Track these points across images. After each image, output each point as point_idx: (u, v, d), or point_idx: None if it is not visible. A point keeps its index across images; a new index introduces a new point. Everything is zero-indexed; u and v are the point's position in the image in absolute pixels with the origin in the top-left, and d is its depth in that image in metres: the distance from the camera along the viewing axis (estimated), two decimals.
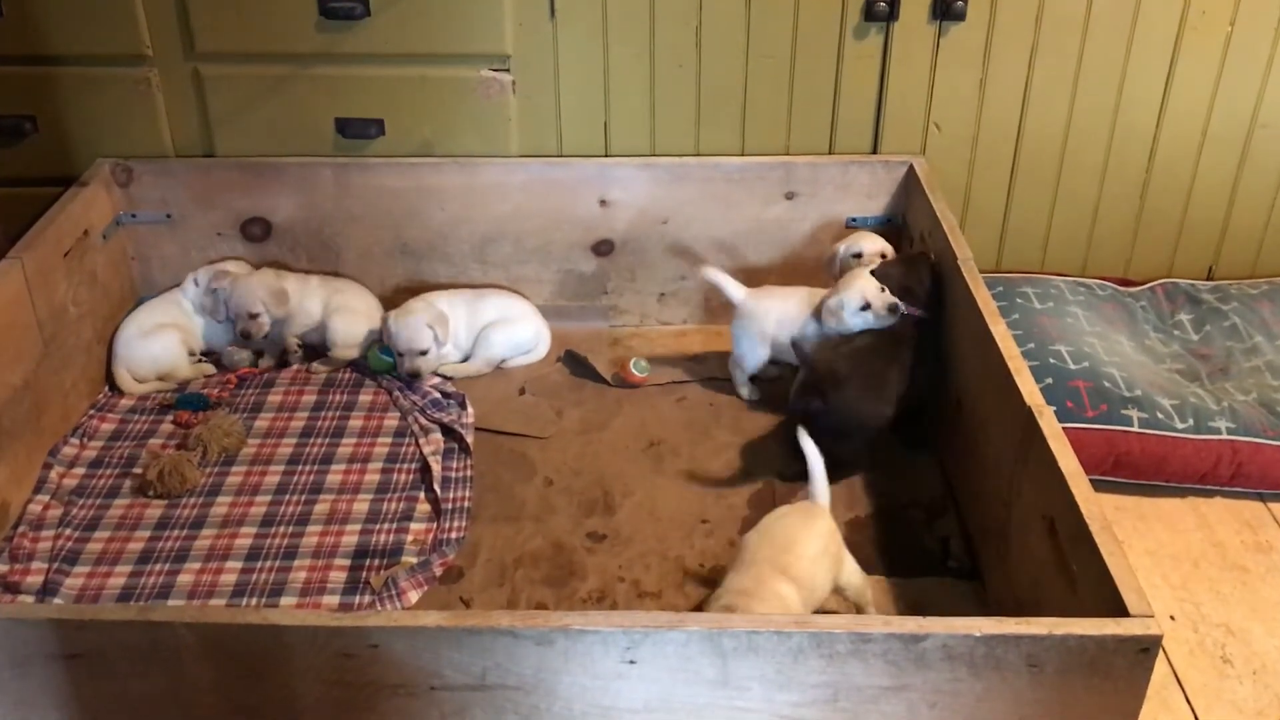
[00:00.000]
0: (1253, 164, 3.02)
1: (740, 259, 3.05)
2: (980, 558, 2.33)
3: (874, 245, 2.84)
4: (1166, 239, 3.12)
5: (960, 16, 2.83)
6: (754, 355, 2.80)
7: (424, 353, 2.80)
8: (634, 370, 2.89)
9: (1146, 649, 1.60)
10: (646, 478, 2.60)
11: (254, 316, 2.87)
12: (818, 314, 2.69)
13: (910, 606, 2.22)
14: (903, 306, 2.57)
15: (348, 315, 2.95)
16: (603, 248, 3.06)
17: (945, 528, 2.45)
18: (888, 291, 2.59)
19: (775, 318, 2.76)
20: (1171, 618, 2.25)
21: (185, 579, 2.30)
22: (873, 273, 2.65)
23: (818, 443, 2.25)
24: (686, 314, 3.15)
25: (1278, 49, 2.88)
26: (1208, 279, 3.16)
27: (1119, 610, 1.63)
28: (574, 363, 2.99)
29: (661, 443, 2.71)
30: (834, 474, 2.29)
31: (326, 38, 2.83)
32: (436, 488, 2.51)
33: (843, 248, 2.85)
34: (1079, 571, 1.81)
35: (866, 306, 2.60)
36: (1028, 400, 2.06)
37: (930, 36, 2.86)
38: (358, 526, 2.44)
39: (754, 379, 2.86)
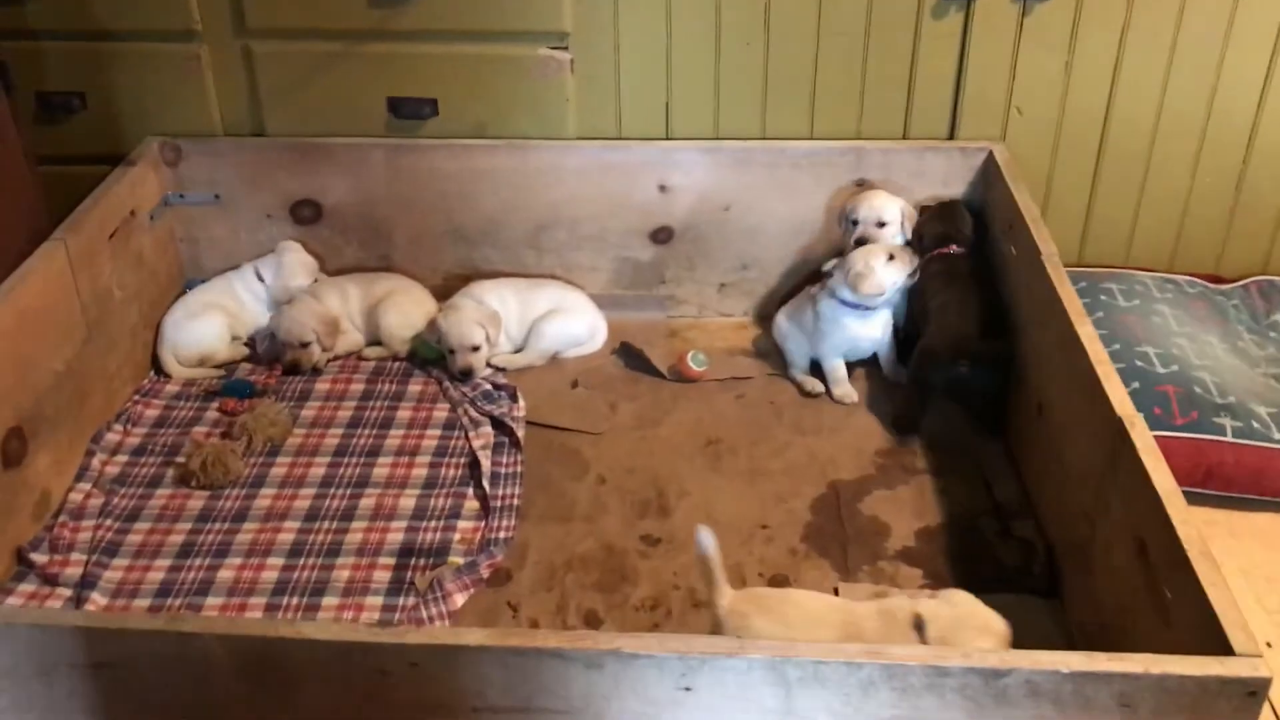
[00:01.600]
0: None
1: (806, 249, 2.91)
2: (1060, 574, 2.18)
3: (871, 211, 2.73)
4: (1263, 233, 2.93)
5: None
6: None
7: (475, 349, 2.71)
8: (691, 364, 2.77)
9: (1254, 692, 1.46)
10: (703, 478, 2.48)
11: (305, 345, 2.78)
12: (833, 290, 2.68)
13: None
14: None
15: (398, 308, 2.86)
16: (661, 235, 2.94)
17: (1025, 532, 2.30)
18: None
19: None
20: (1268, 644, 2.09)
21: (226, 575, 2.23)
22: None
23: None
24: (747, 305, 3.02)
25: None
26: None
27: (1221, 648, 1.50)
28: (629, 355, 2.87)
29: (719, 441, 2.59)
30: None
31: (379, 14, 2.73)
32: (485, 484, 2.42)
33: (861, 214, 2.76)
34: (1173, 600, 1.67)
35: (892, 258, 2.63)
36: (1118, 409, 1.92)
37: (1014, 15, 2.70)
38: (404, 523, 2.36)
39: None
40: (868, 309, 2.66)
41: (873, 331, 2.70)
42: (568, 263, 2.98)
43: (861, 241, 2.70)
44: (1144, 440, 1.84)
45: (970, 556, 2.26)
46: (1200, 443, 2.35)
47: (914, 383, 2.63)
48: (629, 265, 2.98)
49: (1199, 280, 2.91)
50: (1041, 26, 2.70)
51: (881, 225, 2.72)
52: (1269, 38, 2.69)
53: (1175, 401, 2.41)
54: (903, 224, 2.75)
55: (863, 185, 2.84)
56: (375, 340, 2.89)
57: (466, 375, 2.72)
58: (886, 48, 2.76)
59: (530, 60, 2.77)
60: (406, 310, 2.86)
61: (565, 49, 2.76)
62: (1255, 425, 2.38)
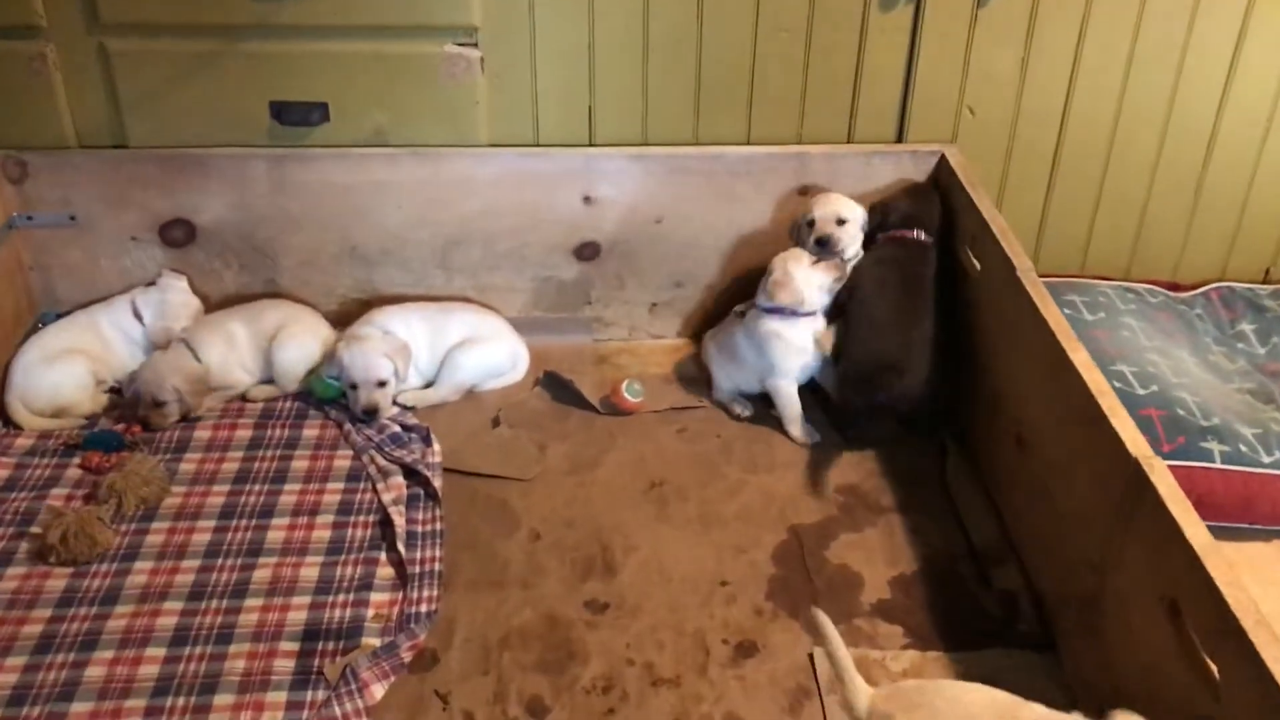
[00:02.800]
0: None
1: (745, 263, 2.67)
2: (1055, 624, 1.97)
3: (828, 209, 2.51)
4: (1221, 238, 2.81)
5: None
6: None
7: (382, 384, 2.41)
8: (626, 394, 2.51)
9: None
10: (651, 527, 2.23)
11: (159, 405, 2.42)
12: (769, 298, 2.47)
13: None
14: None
15: (296, 341, 2.54)
16: (586, 251, 2.69)
17: (1007, 582, 2.09)
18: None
19: None
20: None
21: (94, 672, 1.90)
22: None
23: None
24: (681, 326, 2.76)
25: None
26: (1264, 282, 2.84)
27: None
28: (555, 386, 2.60)
29: (665, 483, 2.34)
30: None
31: (260, 7, 2.41)
32: (400, 547, 2.12)
33: (802, 215, 2.56)
34: (1223, 673, 1.46)
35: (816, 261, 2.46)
36: (1132, 449, 1.72)
37: (967, 8, 2.52)
38: (306, 599, 2.05)
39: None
40: (794, 313, 2.45)
41: (808, 342, 2.47)
42: (482, 283, 2.70)
43: (823, 241, 2.46)
44: (1167, 486, 1.64)
45: (953, 609, 2.05)
46: (1189, 471, 2.18)
47: (841, 399, 2.47)
48: (551, 285, 2.72)
49: (1159, 288, 2.76)
50: (996, 20, 2.53)
51: (841, 223, 2.50)
52: (1230, 37, 2.57)
53: (1161, 426, 2.23)
54: (863, 226, 2.53)
55: (806, 192, 2.62)
56: (268, 378, 2.54)
57: (371, 415, 2.42)
58: (830, 44, 2.55)
59: (435, 58, 2.47)
60: (304, 342, 2.55)
61: (474, 45, 2.48)
62: (1243, 449, 2.21)
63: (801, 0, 2.48)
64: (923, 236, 2.48)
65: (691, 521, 2.24)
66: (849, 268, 2.46)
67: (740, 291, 2.65)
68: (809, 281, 2.43)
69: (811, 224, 2.50)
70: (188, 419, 2.45)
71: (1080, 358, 1.92)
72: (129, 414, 2.45)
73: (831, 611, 2.01)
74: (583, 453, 2.42)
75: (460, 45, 2.47)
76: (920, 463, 2.40)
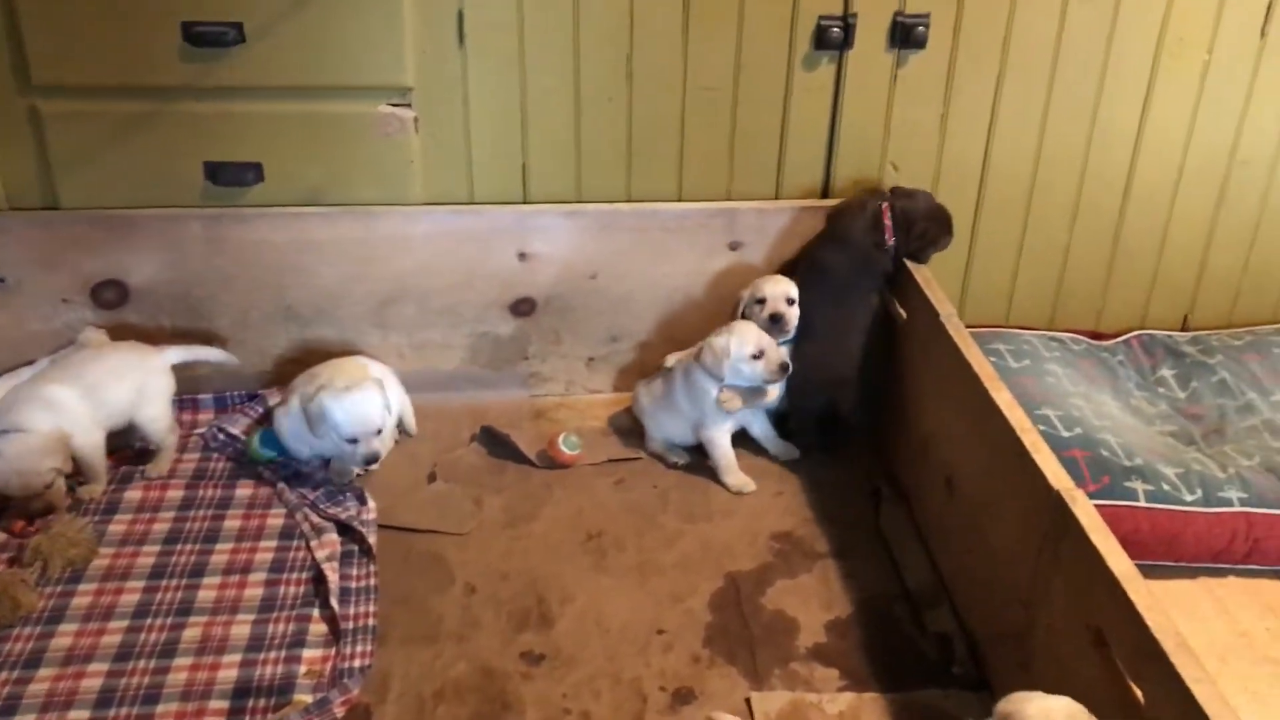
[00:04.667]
0: (1231, 203, 2.80)
1: (680, 318, 2.70)
2: (988, 664, 1.98)
3: (778, 289, 2.53)
4: (1140, 286, 2.88)
5: (921, 44, 2.54)
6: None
7: (379, 431, 2.35)
8: (563, 448, 2.51)
9: None
10: (588, 578, 2.21)
11: (47, 488, 2.24)
12: (697, 355, 2.48)
13: None
14: (790, 368, 2.42)
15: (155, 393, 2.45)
16: (522, 307, 2.69)
17: (940, 624, 2.10)
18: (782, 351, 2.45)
19: None
20: None
21: None
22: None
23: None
24: (619, 380, 2.78)
25: (1258, 79, 2.67)
26: (1183, 329, 2.92)
27: None
28: (492, 442, 2.59)
29: (602, 534, 2.33)
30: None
31: (193, 68, 2.40)
32: (334, 602, 2.09)
33: (747, 294, 2.56)
34: (1148, 698, 1.48)
35: (759, 356, 2.40)
36: (1054, 482, 1.75)
37: (888, 66, 2.58)
38: (237, 656, 2.01)
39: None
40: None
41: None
42: (418, 340, 2.69)
43: (775, 318, 2.49)
44: (1090, 517, 1.67)
45: (889, 651, 2.05)
46: (1115, 510, 2.22)
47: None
48: (488, 341, 2.72)
49: (1082, 337, 2.82)
50: (917, 77, 2.59)
51: (791, 302, 2.51)
52: (1141, 86, 2.65)
53: (1085, 467, 2.27)
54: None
55: (736, 248, 2.66)
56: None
57: (373, 462, 2.38)
58: (756, 102, 2.60)
59: (369, 118, 2.48)
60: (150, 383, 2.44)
61: (408, 105, 2.49)
62: (1166, 488, 2.26)
63: (726, 59, 2.53)
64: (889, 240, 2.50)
65: (629, 571, 2.24)
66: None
67: (675, 346, 2.66)
68: (739, 370, 2.42)
69: (762, 302, 2.51)
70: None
71: (1004, 398, 1.96)
72: (15, 513, 2.27)
73: (769, 656, 2.04)
74: (519, 506, 2.41)
75: (394, 105, 2.48)
76: (854, 508, 2.42)
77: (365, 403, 2.31)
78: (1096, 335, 2.86)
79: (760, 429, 2.57)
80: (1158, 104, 2.66)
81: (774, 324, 2.48)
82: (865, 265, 2.49)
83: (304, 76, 2.43)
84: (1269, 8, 2.60)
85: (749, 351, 2.40)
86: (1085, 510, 1.68)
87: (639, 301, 2.71)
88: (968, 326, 2.77)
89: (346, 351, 2.64)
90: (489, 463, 2.55)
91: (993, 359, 2.60)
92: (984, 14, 2.54)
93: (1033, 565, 1.79)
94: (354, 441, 2.32)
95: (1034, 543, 1.79)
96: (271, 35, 2.38)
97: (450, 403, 2.71)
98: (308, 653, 2.01)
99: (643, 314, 2.72)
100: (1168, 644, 1.46)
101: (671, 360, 2.58)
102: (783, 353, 2.43)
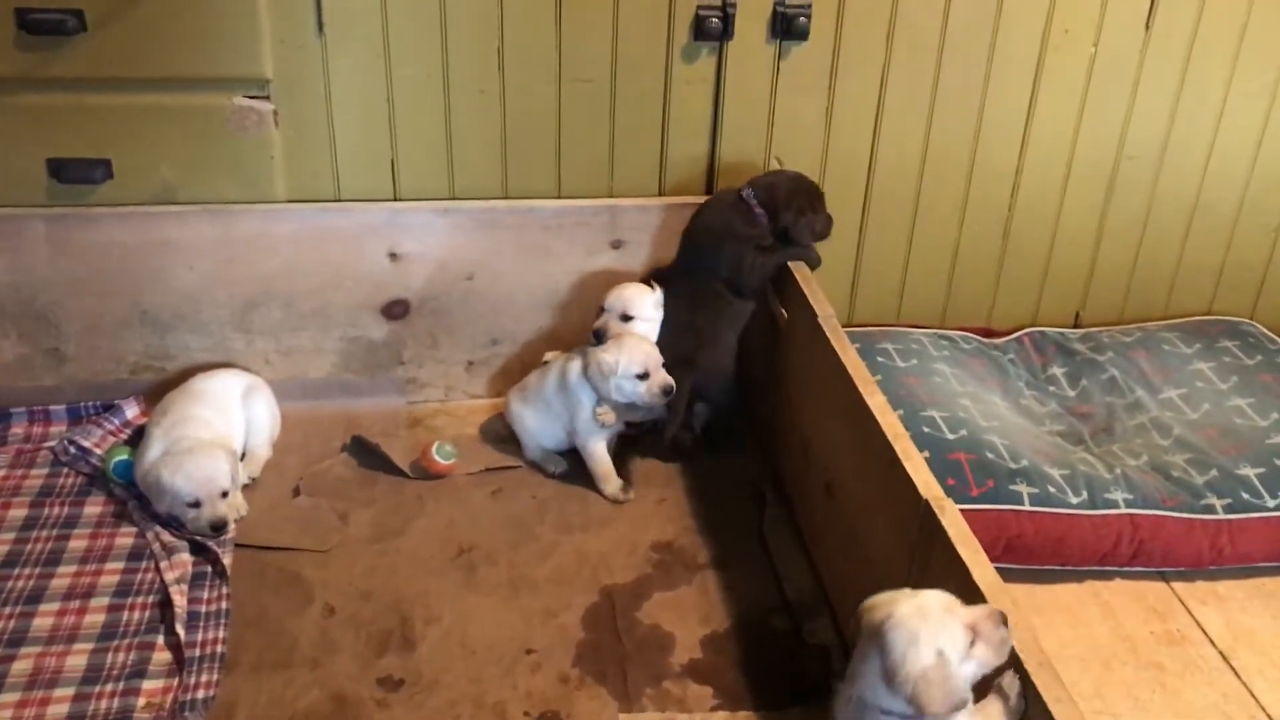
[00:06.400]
0: (1119, 198, 2.77)
1: (563, 319, 2.60)
2: None
3: (643, 305, 2.42)
4: (1031, 282, 2.84)
5: (803, 35, 2.47)
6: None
7: (226, 493, 2.19)
8: (437, 457, 2.39)
9: None
10: (456, 596, 2.11)
11: None
12: (584, 370, 2.36)
13: None
14: (674, 391, 2.31)
15: None
16: (395, 309, 2.57)
17: (820, 636, 2.03)
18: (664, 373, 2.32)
19: None
20: None
21: None
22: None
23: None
24: (500, 385, 2.66)
25: (1143, 73, 2.64)
26: (1075, 326, 2.89)
27: None
28: (362, 451, 2.46)
29: (474, 548, 2.23)
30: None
31: (31, 57, 2.24)
32: (180, 628, 1.95)
33: (608, 304, 2.43)
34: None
35: (645, 376, 2.30)
36: (923, 491, 1.69)
37: (769, 57, 2.50)
38: (70, 690, 1.86)
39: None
40: None
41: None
42: (286, 346, 2.56)
43: (597, 334, 2.39)
44: (956, 526, 1.61)
45: (766, 667, 1.98)
46: (999, 514, 2.17)
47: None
48: (360, 345, 2.60)
49: (973, 335, 2.78)
50: (799, 69, 2.52)
51: (627, 319, 2.41)
52: (1027, 79, 2.61)
53: (969, 470, 2.22)
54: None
55: (618, 246, 2.56)
56: None
57: (221, 530, 2.17)
58: (636, 95, 2.51)
59: (224, 111, 2.35)
60: None
61: (267, 98, 2.36)
62: (1051, 490, 2.21)
63: (602, 50, 2.43)
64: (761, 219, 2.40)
65: (500, 587, 2.13)
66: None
67: (558, 348, 2.55)
68: (622, 387, 2.32)
69: (628, 319, 2.40)
70: None
71: (877, 401, 1.89)
72: None
73: (641, 674, 1.95)
74: (388, 520, 2.29)
75: (251, 98, 2.35)
76: (740, 514, 2.34)
77: (207, 466, 2.15)
78: (988, 333, 2.82)
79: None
80: (1045, 97, 2.63)
81: (596, 339, 2.38)
82: (737, 260, 2.39)
83: (153, 67, 2.29)
84: (1153, 1, 2.57)
85: (635, 371, 2.30)
86: (953, 520, 1.62)
87: (519, 303, 2.60)
88: (858, 326, 2.76)
89: (210, 358, 2.51)
90: (359, 474, 2.42)
91: (880, 359, 2.56)
92: (867, 4, 2.48)
93: (906, 575, 1.73)
94: (196, 505, 2.15)
95: (906, 551, 1.72)
96: (116, 22, 2.23)
97: (322, 411, 2.57)
98: (148, 684, 1.87)
99: (523, 315, 2.61)
100: (1030, 663, 1.40)
101: (549, 356, 2.48)
102: (665, 376, 2.32)
